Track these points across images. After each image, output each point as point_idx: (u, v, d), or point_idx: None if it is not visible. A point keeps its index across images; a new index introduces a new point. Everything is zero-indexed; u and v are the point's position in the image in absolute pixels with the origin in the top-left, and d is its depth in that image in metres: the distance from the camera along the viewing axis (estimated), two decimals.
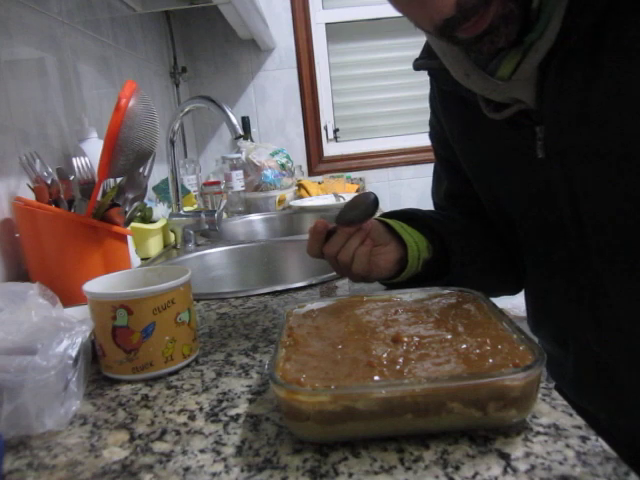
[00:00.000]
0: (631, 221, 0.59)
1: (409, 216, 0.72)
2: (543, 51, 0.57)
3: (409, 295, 0.57)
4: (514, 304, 0.83)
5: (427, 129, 0.86)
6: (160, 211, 1.27)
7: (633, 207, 0.59)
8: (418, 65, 0.74)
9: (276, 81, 2.33)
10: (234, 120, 1.09)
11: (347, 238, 0.64)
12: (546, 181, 0.64)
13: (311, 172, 2.39)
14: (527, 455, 0.36)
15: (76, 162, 0.85)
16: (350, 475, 0.36)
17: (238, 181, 1.78)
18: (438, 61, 0.68)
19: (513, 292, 0.82)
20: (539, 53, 0.58)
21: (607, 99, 0.56)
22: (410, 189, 2.41)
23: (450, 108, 0.76)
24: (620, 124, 0.56)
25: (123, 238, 0.83)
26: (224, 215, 1.53)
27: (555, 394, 0.44)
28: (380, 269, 0.65)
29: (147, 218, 1.22)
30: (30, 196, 0.82)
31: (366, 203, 0.63)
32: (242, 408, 0.47)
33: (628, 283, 0.62)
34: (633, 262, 0.61)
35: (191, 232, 1.23)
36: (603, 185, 0.60)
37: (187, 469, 0.39)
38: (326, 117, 2.43)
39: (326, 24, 2.36)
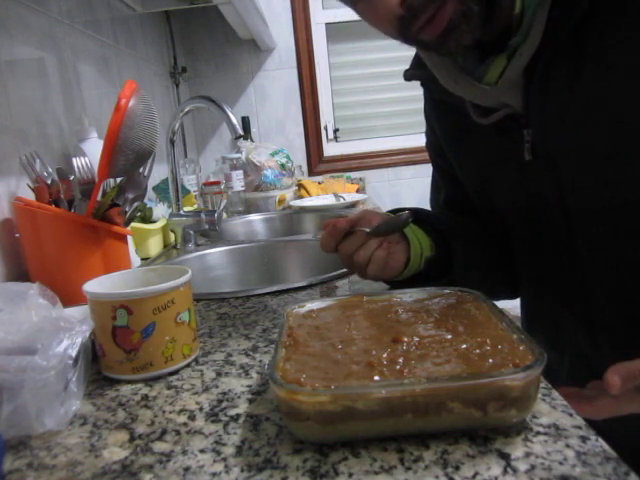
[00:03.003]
0: (619, 222, 0.60)
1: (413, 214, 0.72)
2: (527, 55, 0.58)
3: (409, 295, 0.57)
4: (514, 304, 0.84)
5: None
6: (160, 211, 1.27)
7: (620, 207, 0.59)
8: (409, 75, 0.75)
9: (276, 81, 2.33)
10: (234, 120, 1.09)
11: (365, 239, 0.64)
12: (535, 183, 0.65)
13: (311, 172, 2.39)
14: (527, 455, 0.36)
15: (76, 162, 0.85)
16: (350, 475, 0.36)
17: (238, 181, 1.78)
18: (428, 70, 0.68)
19: (512, 295, 0.82)
20: (523, 57, 0.58)
21: (589, 101, 0.57)
22: (410, 189, 2.41)
23: (442, 116, 0.77)
24: (602, 126, 0.57)
25: (123, 238, 0.83)
26: (224, 215, 1.53)
27: (555, 394, 0.44)
28: (392, 270, 0.66)
29: (147, 218, 1.22)
30: (30, 196, 0.82)
31: (398, 222, 0.65)
32: (242, 408, 0.47)
33: (617, 285, 0.63)
34: (622, 264, 0.61)
35: (191, 232, 1.23)
36: (590, 186, 0.60)
37: (187, 469, 0.39)
38: (326, 117, 2.43)
39: (326, 24, 2.36)
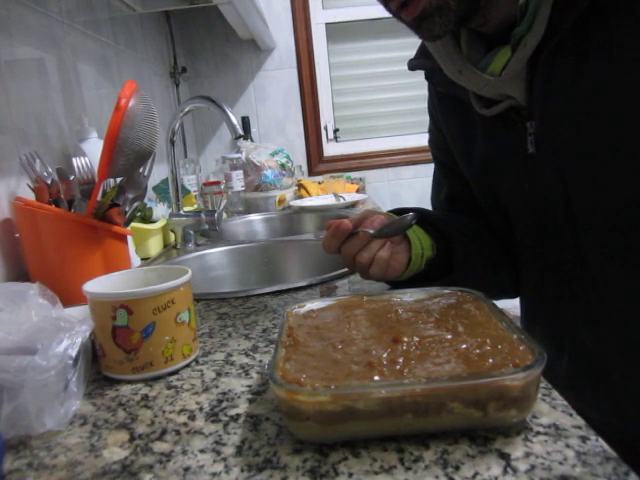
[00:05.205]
0: (622, 216, 0.60)
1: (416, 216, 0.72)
2: (532, 46, 0.58)
3: (409, 295, 0.57)
4: (514, 304, 0.84)
5: (427, 128, 0.87)
6: (160, 211, 1.27)
7: (623, 201, 0.59)
8: (413, 65, 0.75)
9: (276, 81, 2.33)
10: (234, 120, 1.09)
11: (367, 241, 0.64)
12: (538, 176, 0.65)
13: (311, 172, 2.39)
14: (527, 455, 0.36)
15: (76, 162, 0.85)
16: (350, 475, 0.36)
17: (238, 181, 1.78)
18: (432, 60, 0.69)
19: (513, 295, 0.82)
20: (528, 48, 0.58)
21: (592, 94, 0.57)
22: (410, 189, 2.41)
23: (447, 110, 0.77)
24: (606, 119, 0.57)
25: (123, 238, 0.83)
26: (224, 215, 1.53)
27: (555, 394, 0.44)
28: (394, 271, 0.66)
29: (147, 218, 1.22)
30: (30, 196, 0.82)
31: (402, 224, 0.65)
32: (242, 408, 0.47)
33: (620, 279, 0.62)
34: (625, 257, 0.61)
35: (191, 232, 1.23)
36: (593, 179, 0.60)
37: (187, 469, 0.39)
38: (326, 117, 2.43)
39: (326, 24, 2.36)
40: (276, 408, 0.46)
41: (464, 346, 0.43)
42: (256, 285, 1.17)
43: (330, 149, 2.44)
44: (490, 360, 0.40)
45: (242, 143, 1.95)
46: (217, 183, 1.62)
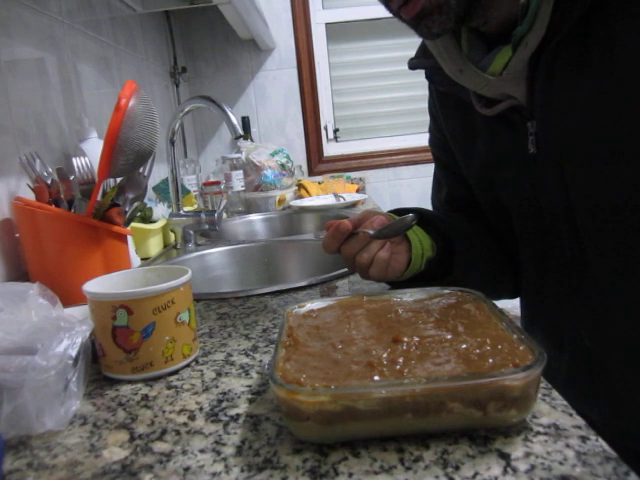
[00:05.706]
0: (622, 216, 0.60)
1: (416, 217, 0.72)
2: (533, 45, 0.58)
3: (409, 295, 0.57)
4: (514, 304, 0.84)
5: (427, 128, 0.87)
6: (160, 211, 1.27)
7: (624, 201, 0.59)
8: (413, 64, 0.75)
9: (276, 81, 2.33)
10: (234, 120, 1.09)
11: (367, 241, 0.64)
12: (539, 176, 0.65)
13: (311, 172, 2.39)
14: (527, 455, 0.36)
15: (76, 162, 0.85)
16: (350, 475, 0.36)
17: (238, 181, 1.78)
18: (433, 60, 0.69)
19: (513, 295, 0.82)
20: (529, 48, 0.58)
21: (594, 94, 0.57)
22: (410, 189, 2.41)
23: (448, 110, 0.77)
24: (607, 119, 0.57)
25: (123, 238, 0.83)
26: (224, 215, 1.53)
27: (555, 394, 0.44)
28: (394, 271, 0.66)
29: (147, 218, 1.22)
30: (30, 196, 0.82)
31: (402, 225, 0.64)
32: (242, 408, 0.47)
33: (621, 279, 0.62)
34: (626, 257, 0.61)
35: (191, 232, 1.23)
36: (594, 179, 0.60)
37: (187, 469, 0.39)
38: (326, 117, 2.43)
39: (326, 24, 2.36)
40: (276, 408, 0.46)
41: (464, 346, 0.43)
42: (256, 285, 1.17)
43: (330, 149, 2.44)
44: (490, 360, 0.40)
45: (242, 143, 1.95)
46: (217, 183, 1.62)
